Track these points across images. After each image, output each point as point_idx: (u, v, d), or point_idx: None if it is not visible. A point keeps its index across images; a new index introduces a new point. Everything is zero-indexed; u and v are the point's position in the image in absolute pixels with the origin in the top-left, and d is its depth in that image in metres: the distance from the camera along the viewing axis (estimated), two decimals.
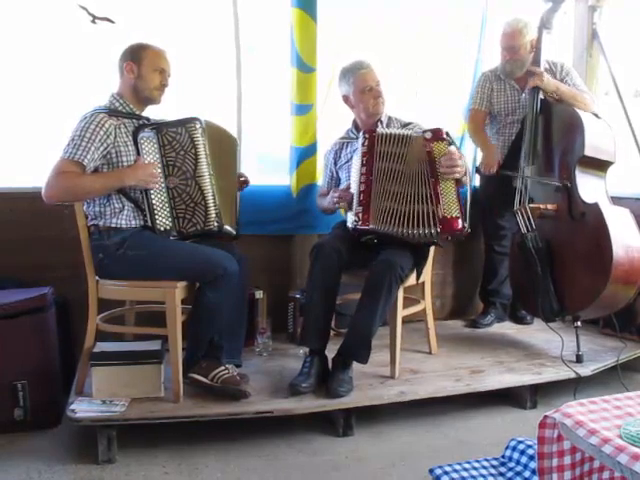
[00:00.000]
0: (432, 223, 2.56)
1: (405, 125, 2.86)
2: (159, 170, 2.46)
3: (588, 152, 2.89)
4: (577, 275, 2.84)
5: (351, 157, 2.85)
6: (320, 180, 3.23)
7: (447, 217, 2.55)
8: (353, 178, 2.73)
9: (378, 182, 2.63)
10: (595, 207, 2.83)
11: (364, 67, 2.79)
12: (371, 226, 2.62)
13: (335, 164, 2.99)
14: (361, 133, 2.72)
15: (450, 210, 2.56)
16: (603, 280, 2.73)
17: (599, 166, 2.99)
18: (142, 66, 2.46)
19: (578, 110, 2.99)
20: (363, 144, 2.68)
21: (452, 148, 2.57)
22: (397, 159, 2.63)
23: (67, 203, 2.49)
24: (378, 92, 2.79)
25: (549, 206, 2.96)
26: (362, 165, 2.66)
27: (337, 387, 2.48)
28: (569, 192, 2.92)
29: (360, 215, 2.63)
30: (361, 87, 2.78)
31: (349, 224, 2.68)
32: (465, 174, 2.60)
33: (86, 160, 2.32)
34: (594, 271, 2.78)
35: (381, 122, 2.85)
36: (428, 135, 2.60)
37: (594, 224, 2.80)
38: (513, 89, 3.32)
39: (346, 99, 2.88)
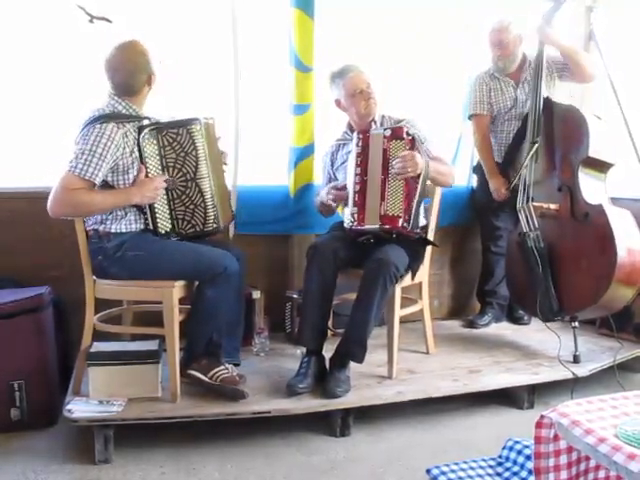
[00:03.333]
0: (376, 218, 2.60)
1: (397, 122, 2.85)
2: (159, 174, 2.45)
3: (592, 153, 2.90)
4: (578, 276, 2.83)
5: (346, 158, 2.85)
6: (317, 180, 3.23)
7: (388, 215, 2.58)
8: (348, 178, 2.73)
9: (370, 182, 2.64)
10: (599, 208, 2.83)
11: (352, 71, 2.80)
12: (367, 226, 2.63)
13: (332, 166, 3.00)
14: (355, 134, 2.73)
15: (393, 209, 2.58)
16: (606, 281, 2.73)
17: (601, 168, 3.00)
18: (156, 73, 2.45)
19: (581, 111, 3.00)
20: (357, 144, 2.68)
21: (405, 152, 2.57)
22: (378, 157, 2.64)
23: (70, 218, 2.46)
24: (368, 94, 2.80)
25: (552, 206, 2.96)
26: (356, 165, 2.67)
27: (334, 387, 2.48)
28: (572, 192, 2.92)
29: (355, 216, 2.64)
30: (351, 91, 2.80)
31: (346, 225, 2.69)
32: (419, 175, 2.58)
33: (97, 179, 2.30)
34: (597, 272, 2.77)
35: (375, 122, 2.86)
36: (387, 133, 2.63)
37: (598, 225, 2.80)
38: (508, 85, 3.34)
39: (338, 103, 2.90)
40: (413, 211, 2.60)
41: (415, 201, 2.60)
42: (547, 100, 3.08)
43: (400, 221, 2.57)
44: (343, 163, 2.90)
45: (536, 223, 2.96)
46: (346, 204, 2.73)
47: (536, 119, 3.02)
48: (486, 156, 3.38)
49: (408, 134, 2.62)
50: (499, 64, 3.30)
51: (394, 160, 2.58)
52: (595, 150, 2.90)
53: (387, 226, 2.59)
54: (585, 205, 2.88)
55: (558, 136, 3.02)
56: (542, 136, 3.03)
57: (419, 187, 2.60)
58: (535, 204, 2.97)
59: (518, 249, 3.03)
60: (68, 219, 2.48)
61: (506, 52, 3.25)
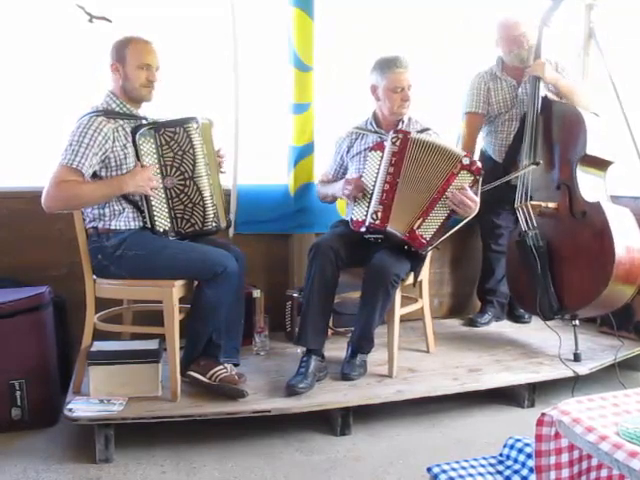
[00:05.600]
0: (404, 227, 2.60)
1: (423, 130, 2.82)
2: (157, 172, 2.45)
3: (590, 151, 2.89)
4: (578, 274, 2.83)
5: (364, 149, 2.83)
6: (317, 179, 3.22)
7: (417, 233, 2.59)
8: (370, 174, 2.70)
9: (403, 185, 2.62)
10: (597, 206, 2.83)
11: (402, 66, 2.72)
12: (388, 229, 2.62)
13: (347, 152, 2.94)
14: (391, 132, 2.69)
15: (426, 231, 2.59)
16: (604, 279, 2.72)
17: (599, 165, 2.99)
18: (126, 65, 2.42)
19: (579, 108, 3.00)
20: (394, 143, 2.65)
21: (470, 192, 2.57)
22: (424, 165, 2.62)
23: (66, 212, 2.46)
24: (407, 96, 2.74)
25: (550, 204, 2.96)
26: (390, 164, 2.63)
27: (350, 372, 2.63)
28: (570, 191, 2.92)
29: (379, 214, 2.62)
30: (392, 86, 2.73)
31: (351, 219, 2.66)
32: (465, 216, 2.62)
33: (84, 167, 2.30)
34: (596, 270, 2.77)
35: (402, 122, 2.83)
36: (466, 161, 2.60)
37: (596, 223, 2.80)
38: (510, 85, 3.32)
39: (373, 89, 2.82)
40: (437, 241, 2.61)
41: (445, 235, 2.62)
42: (545, 99, 3.08)
43: (423, 243, 2.59)
44: (358, 154, 2.86)
45: (535, 222, 2.95)
46: (359, 201, 2.70)
47: (533, 133, 3.02)
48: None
49: (480, 173, 2.61)
50: (513, 58, 3.24)
51: (454, 189, 2.57)
52: (593, 148, 2.90)
53: (408, 240, 2.59)
54: (583, 203, 2.87)
55: (556, 134, 3.02)
56: (541, 135, 3.02)
57: (457, 224, 2.63)
58: (533, 203, 2.97)
59: (518, 248, 3.02)
60: (66, 215, 2.49)
61: (521, 47, 3.20)
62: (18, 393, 2.45)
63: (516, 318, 3.58)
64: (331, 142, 3.05)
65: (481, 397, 2.72)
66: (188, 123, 2.47)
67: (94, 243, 2.44)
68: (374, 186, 2.67)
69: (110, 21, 2.99)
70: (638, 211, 2.95)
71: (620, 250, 2.72)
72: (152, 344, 2.49)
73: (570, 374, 2.75)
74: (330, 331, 2.78)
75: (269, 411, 2.37)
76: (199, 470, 2.23)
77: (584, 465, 1.41)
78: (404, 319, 2.81)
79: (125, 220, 2.44)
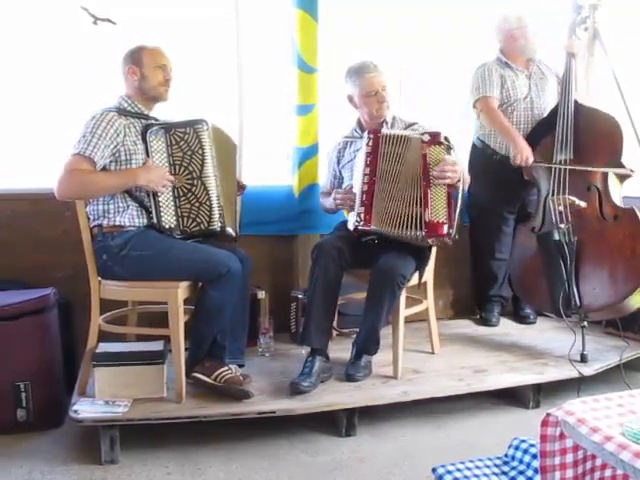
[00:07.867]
0: (418, 226, 2.57)
1: (409, 125, 2.83)
2: (167, 171, 2.48)
3: (623, 159, 2.90)
4: (603, 274, 2.81)
5: (354, 156, 2.84)
6: (322, 180, 3.22)
7: (433, 221, 2.55)
8: (356, 178, 2.72)
9: (381, 182, 2.62)
10: (631, 211, 2.83)
11: (371, 71, 2.74)
12: (373, 227, 2.62)
13: (338, 163, 2.98)
14: (365, 133, 2.70)
15: (437, 215, 2.55)
16: (633, 283, 2.72)
17: (623, 175, 2.98)
18: (143, 67, 2.49)
19: (613, 116, 3.00)
20: (367, 144, 2.65)
21: (447, 156, 2.56)
22: (398, 159, 2.62)
23: (78, 200, 2.47)
24: (383, 97, 2.76)
25: (581, 203, 2.92)
26: (366, 165, 2.64)
27: (354, 373, 2.62)
28: (600, 193, 2.91)
29: (362, 215, 2.62)
30: (366, 91, 2.76)
31: (350, 225, 2.67)
32: (459, 181, 2.58)
33: (96, 157, 2.34)
34: (624, 273, 2.76)
35: (386, 123, 2.83)
36: (426, 138, 2.59)
37: (630, 227, 2.79)
38: (522, 73, 3.32)
39: (350, 99, 2.86)
40: (456, 218, 2.57)
41: (458, 210, 2.57)
42: (577, 103, 3.07)
43: (445, 228, 2.54)
44: (350, 161, 2.88)
45: (569, 217, 2.90)
46: (351, 208, 2.70)
47: (567, 125, 3.00)
48: (503, 125, 3.20)
49: (446, 139, 2.59)
50: (526, 50, 3.29)
51: (435, 166, 2.55)
52: (624, 156, 2.91)
53: (430, 233, 2.55)
54: (616, 207, 2.87)
55: (592, 138, 2.98)
56: (573, 135, 2.99)
57: (460, 194, 2.58)
58: (570, 197, 2.91)
59: (539, 242, 2.97)
60: (71, 216, 2.51)
61: (534, 39, 3.28)
62: (23, 394, 2.46)
63: (521, 319, 3.56)
64: (334, 143, 3.05)
65: (486, 398, 2.72)
66: (198, 124, 2.53)
67: (99, 243, 2.45)
68: (358, 189, 2.67)
69: (114, 23, 3.01)
70: None
71: None
72: (157, 345, 2.50)
73: (575, 375, 2.73)
74: (335, 332, 2.77)
75: (274, 412, 2.37)
76: (204, 471, 2.23)
77: (588, 465, 1.41)
78: (409, 320, 2.80)
79: (129, 217, 2.45)
